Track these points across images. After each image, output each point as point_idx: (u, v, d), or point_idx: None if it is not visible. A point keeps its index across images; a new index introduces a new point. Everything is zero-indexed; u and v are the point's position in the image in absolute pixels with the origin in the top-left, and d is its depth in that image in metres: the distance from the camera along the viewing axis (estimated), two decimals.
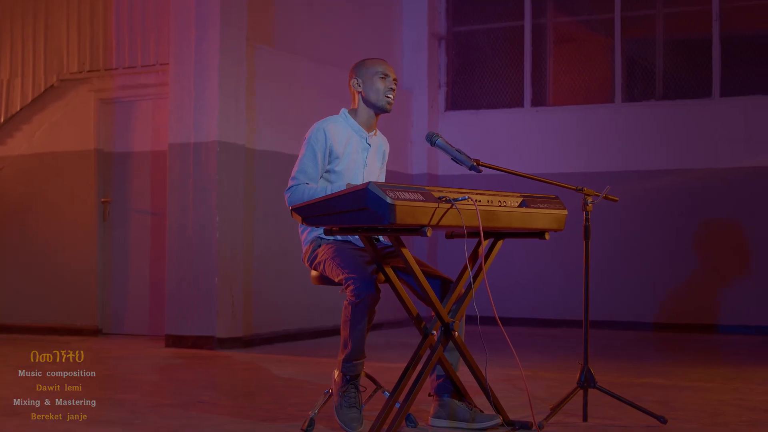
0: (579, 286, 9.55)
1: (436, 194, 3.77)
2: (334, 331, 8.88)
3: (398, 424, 3.90)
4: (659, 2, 10.07)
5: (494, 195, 4.02)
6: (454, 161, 4.19)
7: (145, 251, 8.55)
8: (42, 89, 8.95)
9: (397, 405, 4.03)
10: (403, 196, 3.63)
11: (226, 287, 7.65)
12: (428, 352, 4.15)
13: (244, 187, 7.89)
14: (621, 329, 9.47)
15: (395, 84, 4.45)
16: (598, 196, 4.49)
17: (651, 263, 9.65)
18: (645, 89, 10.05)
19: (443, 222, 3.76)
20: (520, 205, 4.11)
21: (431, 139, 4.23)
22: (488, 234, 4.23)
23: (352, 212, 3.68)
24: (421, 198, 3.69)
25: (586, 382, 4.51)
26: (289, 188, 4.33)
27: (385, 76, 4.43)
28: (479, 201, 3.88)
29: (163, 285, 8.16)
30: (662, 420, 4.43)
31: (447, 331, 4.10)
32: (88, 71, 8.74)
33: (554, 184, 4.50)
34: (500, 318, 4.15)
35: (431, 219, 3.70)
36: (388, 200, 3.57)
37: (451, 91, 10.91)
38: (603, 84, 10.29)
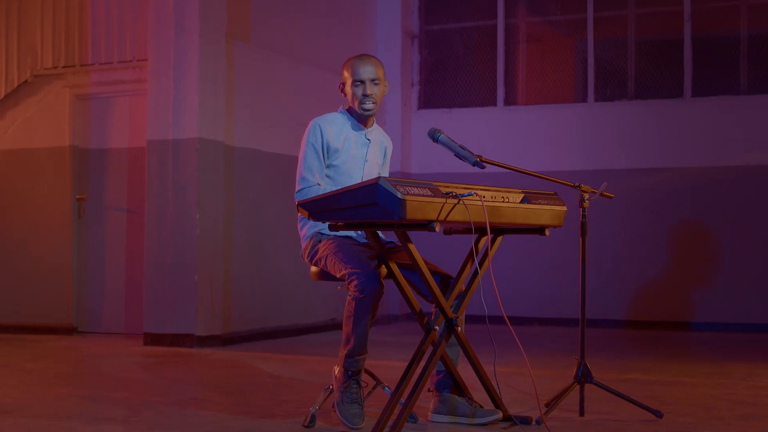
0: (556, 283, 9.73)
1: (444, 190, 3.78)
2: (312, 329, 8.91)
3: (403, 422, 3.90)
4: (631, 3, 10.17)
5: (497, 191, 4.04)
6: (457, 157, 4.20)
7: (121, 249, 8.47)
8: (15, 85, 8.84)
9: (401, 403, 4.04)
10: (412, 192, 3.63)
11: (206, 285, 7.61)
12: (430, 348, 4.16)
13: (223, 185, 7.85)
14: (591, 327, 9.53)
15: (374, 84, 4.38)
16: (595, 192, 4.53)
17: (622, 261, 9.74)
18: (617, 89, 10.13)
19: (450, 217, 3.77)
20: (522, 201, 4.14)
21: (434, 136, 4.25)
22: (491, 230, 4.24)
23: (362, 207, 3.68)
24: (430, 193, 3.71)
25: (583, 377, 4.55)
26: (300, 190, 4.32)
27: (360, 83, 4.39)
28: (484, 197, 3.90)
29: (140, 283, 8.09)
30: (658, 414, 4.48)
31: (450, 326, 4.11)
32: (63, 67, 8.63)
33: (552, 180, 4.53)
34: (488, 316, 4.15)
35: (439, 214, 3.72)
36: (399, 195, 3.58)
37: (424, 90, 10.94)
38: (576, 83, 10.38)
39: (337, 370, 4.30)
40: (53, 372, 6.17)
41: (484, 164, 4.14)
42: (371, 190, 3.63)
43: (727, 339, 8.68)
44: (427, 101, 10.92)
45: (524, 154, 10.17)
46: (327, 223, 4.32)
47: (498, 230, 4.34)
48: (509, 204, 4.05)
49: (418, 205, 3.63)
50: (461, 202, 3.78)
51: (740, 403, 4.97)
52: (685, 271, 9.54)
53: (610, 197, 4.65)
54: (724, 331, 9.27)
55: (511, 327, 3.99)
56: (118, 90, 8.43)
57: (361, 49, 10.34)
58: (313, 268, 4.43)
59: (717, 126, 9.62)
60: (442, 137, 4.22)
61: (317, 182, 4.34)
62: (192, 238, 7.53)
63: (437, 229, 3.72)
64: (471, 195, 3.82)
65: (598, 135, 10.03)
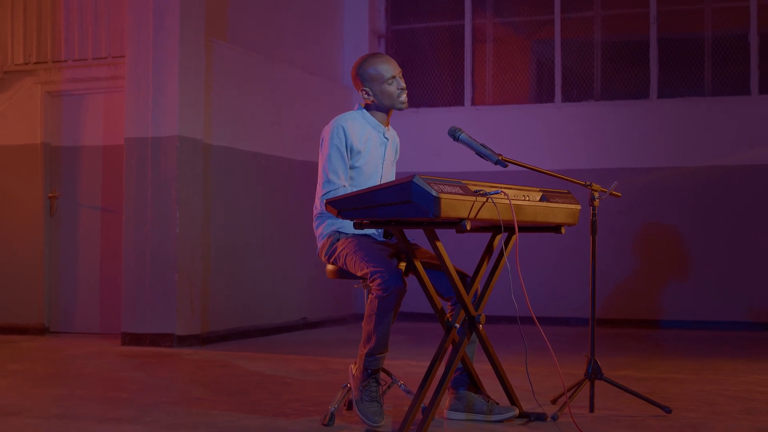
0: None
1: (472, 188, 3.80)
2: (284, 329, 8.87)
3: (429, 422, 3.90)
4: (597, 5, 10.29)
5: (519, 189, 4.07)
6: (479, 156, 4.22)
7: (96, 247, 8.34)
8: None
9: (423, 407, 4.04)
10: (445, 190, 3.65)
11: (186, 284, 7.54)
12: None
13: (202, 183, 7.78)
14: (561, 325, 9.64)
15: (402, 76, 4.46)
16: (605, 192, 4.58)
17: (588, 260, 9.84)
18: (584, 89, 10.26)
19: (479, 215, 3.79)
20: (540, 200, 4.18)
21: (454, 134, 4.26)
22: (509, 228, 4.27)
23: (396, 205, 3.68)
24: (461, 191, 3.72)
25: (593, 373, 4.60)
26: (327, 193, 4.29)
27: (392, 78, 4.40)
28: (506, 194, 3.92)
29: (116, 282, 7.99)
30: (667, 410, 4.55)
31: (472, 323, 4.13)
32: (35, 63, 8.48)
33: (563, 178, 4.57)
34: (501, 316, 4.18)
35: (470, 212, 3.73)
36: (434, 193, 3.58)
37: None
38: (543, 84, 10.48)
39: (354, 368, 4.29)
40: (40, 373, 6.07)
41: (507, 163, 4.17)
42: (406, 188, 3.63)
43: (697, 336, 8.83)
44: None
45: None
46: (344, 222, 4.33)
47: (512, 228, 4.36)
48: (530, 202, 4.08)
49: (451, 203, 3.64)
50: (490, 200, 3.80)
51: (737, 399, 5.06)
52: (654, 270, 9.69)
53: (617, 196, 4.71)
54: (691, 329, 9.43)
55: (540, 327, 4.02)
56: (92, 87, 8.30)
57: (329, 47, 10.33)
58: (330, 267, 4.42)
59: (683, 127, 9.78)
60: (462, 136, 4.23)
61: (343, 184, 4.32)
62: (172, 236, 7.45)
63: (468, 227, 3.74)
64: (498, 193, 3.84)
65: (565, 135, 10.13)
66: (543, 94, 10.46)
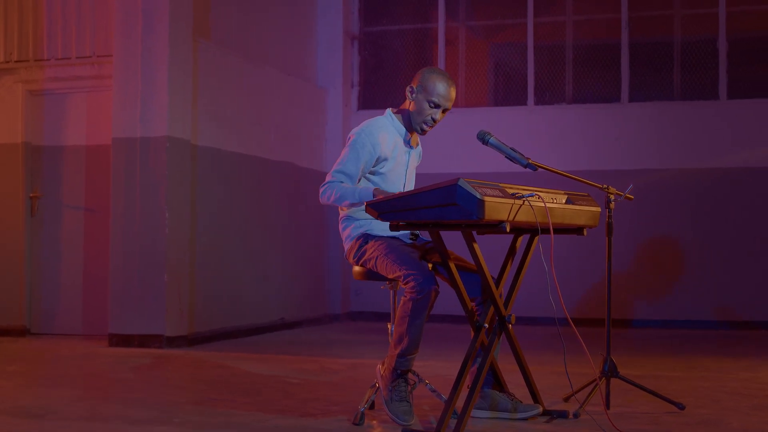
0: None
1: (509, 191, 3.88)
2: (264, 329, 8.89)
3: (465, 422, 3.96)
4: (569, 9, 10.46)
5: (547, 192, 4.16)
6: (509, 159, 4.30)
7: (78, 248, 8.27)
8: None
9: (442, 397, 4.11)
10: (488, 192, 3.72)
11: (175, 285, 7.52)
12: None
13: (190, 184, 7.77)
14: (534, 324, 9.77)
15: (443, 114, 4.46)
16: (621, 195, 4.71)
17: (566, 262, 9.99)
18: (556, 92, 10.42)
19: (517, 218, 3.87)
20: (566, 202, 4.27)
21: (483, 138, 4.33)
22: (532, 230, 4.37)
23: (439, 208, 3.74)
24: (500, 194, 3.80)
25: (610, 371, 4.72)
26: (325, 183, 4.36)
27: (437, 106, 4.44)
28: (540, 197, 4.02)
29: (100, 283, 7.95)
30: (680, 407, 4.69)
31: (503, 323, 4.21)
32: (16, 61, 8.37)
33: (582, 181, 4.67)
34: (525, 317, 4.26)
35: (509, 215, 3.81)
36: (478, 196, 3.66)
37: (364, 91, 11.01)
38: (515, 87, 10.61)
39: (382, 369, 4.35)
40: (42, 374, 6.05)
41: (536, 167, 4.26)
42: (451, 190, 3.70)
43: (670, 335, 9.02)
44: (367, 102, 10.99)
45: (464, 156, 10.34)
46: (373, 224, 4.40)
47: (534, 230, 4.46)
48: (559, 205, 4.18)
49: (494, 205, 3.72)
50: (527, 203, 3.88)
51: (738, 395, 5.21)
52: (626, 271, 9.87)
53: (630, 199, 4.83)
54: (662, 328, 9.63)
55: (575, 327, 4.12)
56: (75, 86, 8.23)
57: (305, 48, 10.36)
58: (358, 269, 4.46)
59: (653, 130, 9.99)
60: (492, 140, 4.31)
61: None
62: (162, 237, 7.43)
63: (508, 229, 3.82)
64: (533, 196, 3.93)
65: (537, 138, 10.26)
66: (515, 97, 10.59)
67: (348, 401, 4.92)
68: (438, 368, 6.03)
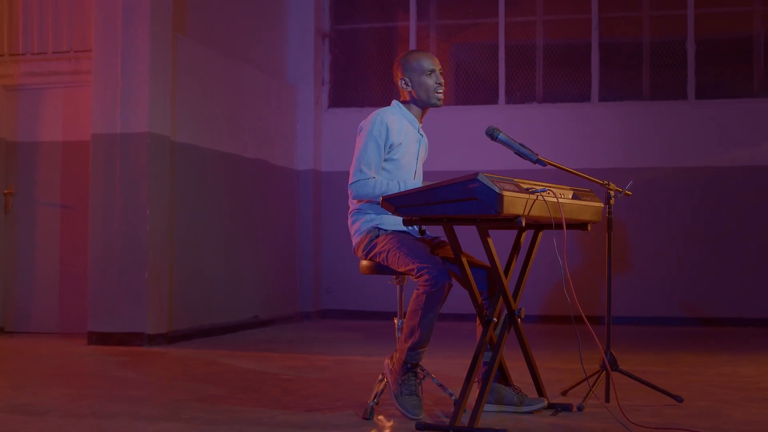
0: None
1: (524, 185, 3.93)
2: (238, 327, 8.85)
3: (479, 413, 3.99)
4: (539, 9, 10.56)
5: (555, 188, 4.20)
6: (518, 155, 4.34)
7: (54, 245, 8.18)
8: None
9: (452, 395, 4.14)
10: (506, 187, 3.76)
11: (156, 282, 7.47)
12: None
13: (169, 181, 7.72)
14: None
15: (442, 75, 4.56)
16: (620, 191, 4.78)
17: (536, 259, 10.08)
18: (526, 92, 10.50)
19: (531, 213, 3.91)
20: (572, 198, 4.33)
21: (492, 134, 4.38)
22: (540, 225, 4.43)
23: (459, 202, 3.78)
24: (516, 189, 3.84)
25: (610, 365, 4.78)
26: (357, 182, 4.37)
27: (431, 72, 4.52)
28: (552, 193, 4.06)
29: (78, 280, 7.87)
30: (679, 399, 4.77)
31: (512, 317, 4.24)
32: None
33: (585, 177, 4.73)
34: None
35: (524, 209, 3.85)
36: (497, 190, 3.69)
37: (335, 89, 11.00)
38: (487, 85, 10.68)
39: (391, 363, 4.37)
40: (29, 373, 5.96)
41: (546, 163, 4.30)
42: (470, 185, 3.73)
43: (640, 332, 9.11)
44: (338, 100, 10.99)
45: (436, 153, 10.33)
46: (384, 218, 4.41)
47: (539, 225, 4.52)
48: (568, 200, 4.23)
49: (512, 200, 3.76)
50: (542, 198, 3.93)
51: (729, 389, 5.31)
52: (594, 268, 9.98)
53: (629, 195, 4.90)
54: (630, 325, 9.75)
55: (589, 325, 4.17)
56: (52, 81, 8.13)
57: (276, 44, 10.33)
58: (366, 262, 4.47)
59: (622, 129, 10.12)
60: (501, 136, 4.35)
61: (372, 176, 4.39)
62: (143, 234, 7.37)
63: (523, 223, 3.86)
64: (545, 191, 3.98)
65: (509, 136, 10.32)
66: (486, 96, 10.66)
67: (349, 396, 4.94)
68: (437, 364, 6.06)
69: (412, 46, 10.74)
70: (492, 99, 10.58)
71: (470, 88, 10.86)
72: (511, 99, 10.53)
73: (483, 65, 10.74)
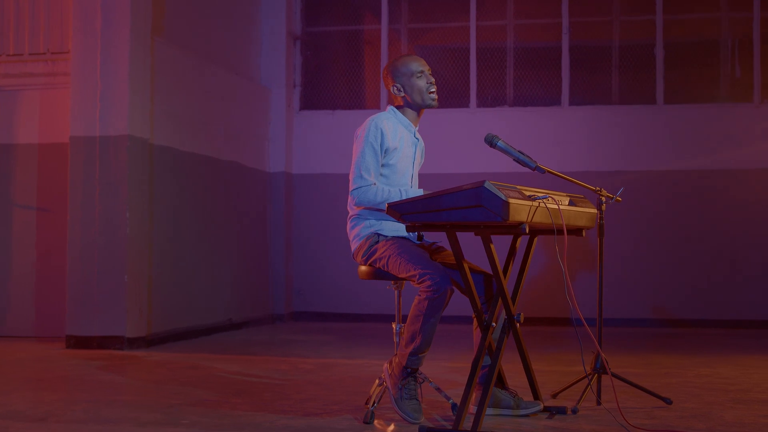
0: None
1: (526, 192, 3.99)
2: (214, 329, 8.85)
3: (482, 417, 4.04)
4: (510, 12, 10.65)
5: (553, 194, 4.27)
6: (517, 162, 4.40)
7: (30, 248, 8.11)
8: None
9: (450, 400, 4.19)
10: (511, 195, 3.82)
11: (135, 285, 7.44)
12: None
13: (148, 184, 7.69)
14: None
15: (432, 75, 4.62)
16: (612, 198, 4.87)
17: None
18: (497, 95, 10.59)
19: (534, 219, 3.97)
20: (569, 204, 4.40)
21: (491, 141, 4.42)
22: (531, 231, 4.50)
23: (464, 209, 3.82)
24: (519, 196, 3.90)
25: (601, 368, 4.86)
26: (358, 188, 4.40)
27: (421, 73, 4.58)
28: (554, 200, 4.13)
29: (54, 283, 7.81)
30: (668, 401, 4.87)
31: (512, 322, 4.30)
32: None
33: (578, 183, 4.81)
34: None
35: (528, 216, 3.91)
36: (504, 198, 3.75)
37: (306, 91, 11.01)
38: (458, 89, 10.75)
39: (390, 368, 4.41)
40: (19, 377, 5.92)
41: (544, 170, 4.37)
42: (477, 192, 3.78)
43: (610, 333, 9.15)
44: (309, 102, 11.00)
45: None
46: (384, 224, 4.45)
47: (534, 231, 4.58)
48: (566, 207, 4.30)
49: (517, 207, 3.82)
50: (544, 205, 3.99)
51: (715, 390, 5.42)
52: (558, 271, 10.10)
53: (619, 201, 4.99)
54: (602, 326, 9.86)
55: (587, 327, 4.23)
56: (28, 83, 8.07)
57: (248, 48, 10.32)
58: (365, 268, 4.50)
59: (592, 133, 10.25)
60: (500, 143, 4.40)
61: (373, 182, 4.43)
62: (122, 237, 7.34)
63: (527, 230, 3.92)
64: (546, 198, 4.04)
65: (479, 140, 10.38)
66: (457, 100, 10.73)
67: (343, 400, 4.97)
68: (431, 367, 6.10)
69: (384, 49, 10.79)
70: (464, 102, 10.65)
71: (441, 91, 10.91)
72: (482, 102, 10.62)
73: (454, 69, 10.80)
